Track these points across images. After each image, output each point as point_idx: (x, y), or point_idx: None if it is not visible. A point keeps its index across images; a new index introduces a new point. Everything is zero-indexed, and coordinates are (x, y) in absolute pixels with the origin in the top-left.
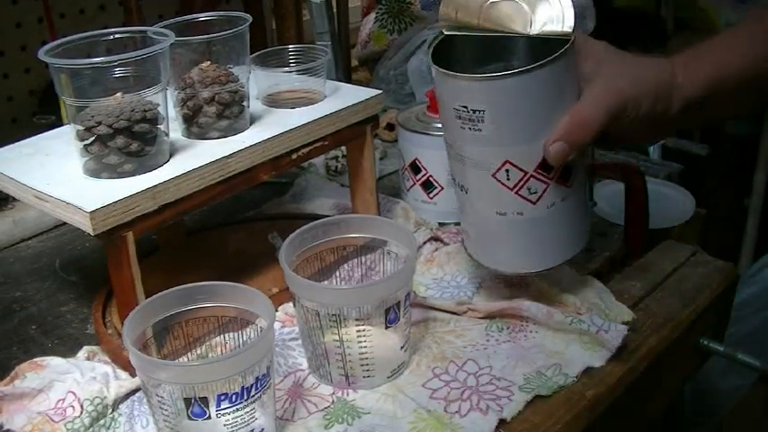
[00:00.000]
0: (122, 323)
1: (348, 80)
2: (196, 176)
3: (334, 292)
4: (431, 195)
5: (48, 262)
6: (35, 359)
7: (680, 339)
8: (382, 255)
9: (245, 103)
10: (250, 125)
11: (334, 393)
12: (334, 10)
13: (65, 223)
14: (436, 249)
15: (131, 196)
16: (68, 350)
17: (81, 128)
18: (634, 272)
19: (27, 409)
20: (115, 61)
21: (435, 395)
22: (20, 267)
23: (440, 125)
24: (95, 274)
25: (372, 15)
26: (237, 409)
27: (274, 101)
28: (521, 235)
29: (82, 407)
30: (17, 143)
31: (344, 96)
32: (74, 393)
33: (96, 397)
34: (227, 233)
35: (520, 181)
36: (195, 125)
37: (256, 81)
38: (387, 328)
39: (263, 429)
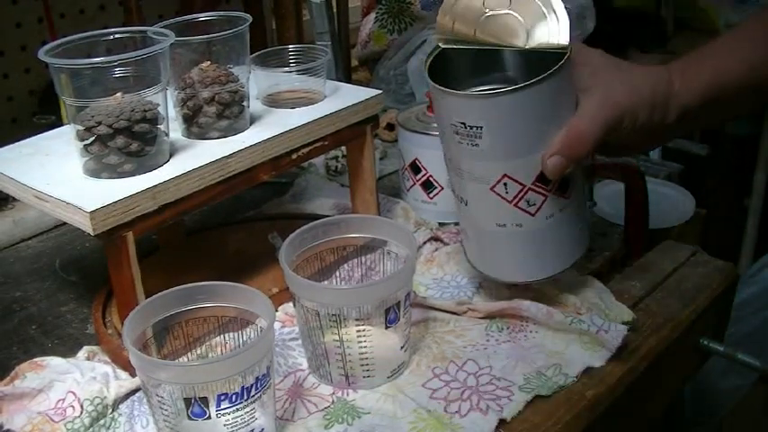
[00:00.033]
0: (122, 323)
1: (348, 80)
2: (196, 176)
3: (334, 292)
4: (431, 195)
5: (48, 262)
6: (35, 359)
7: (680, 339)
8: (382, 255)
9: (245, 103)
10: (250, 125)
11: (334, 393)
12: (334, 10)
13: (65, 223)
14: (436, 249)
15: (131, 196)
16: (68, 350)
17: (81, 128)
18: (634, 272)
19: (27, 409)
20: (115, 61)
21: (435, 395)
22: (20, 267)
23: None
24: (95, 274)
25: (372, 15)
26: (237, 409)
27: (274, 101)
28: (520, 246)
29: (82, 407)
30: (17, 143)
31: (344, 96)
32: (74, 393)
33: (96, 397)
34: (227, 233)
35: (518, 194)
36: (195, 125)
37: (256, 81)
38: (387, 328)
39: (263, 429)
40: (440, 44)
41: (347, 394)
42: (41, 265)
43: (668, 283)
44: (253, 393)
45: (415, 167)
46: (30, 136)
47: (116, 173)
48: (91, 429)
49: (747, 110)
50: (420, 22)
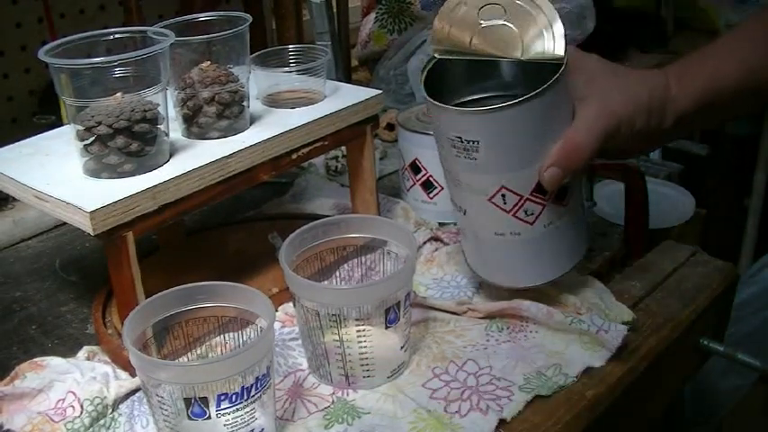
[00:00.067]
0: (122, 323)
1: (348, 80)
2: (196, 176)
3: (334, 292)
4: (431, 195)
5: (48, 262)
6: (35, 359)
7: (680, 339)
8: (382, 255)
9: (245, 103)
10: (250, 125)
11: (334, 393)
12: (334, 10)
13: (65, 223)
14: (436, 249)
15: (131, 196)
16: (68, 350)
17: (81, 128)
18: (634, 272)
19: (27, 409)
20: (115, 61)
21: (435, 395)
22: (20, 267)
23: None
24: (95, 274)
25: (372, 15)
26: (237, 409)
27: (274, 101)
28: (519, 253)
29: (82, 407)
30: (17, 143)
31: (344, 96)
32: (74, 393)
33: (96, 397)
34: (227, 233)
35: (516, 204)
36: (195, 125)
37: (256, 81)
38: (387, 328)
39: (263, 429)
40: (436, 55)
41: (347, 394)
42: (41, 265)
43: (668, 283)
44: (253, 393)
45: (415, 167)
46: (30, 136)
47: (116, 173)
48: (91, 429)
49: (745, 112)
50: (420, 22)
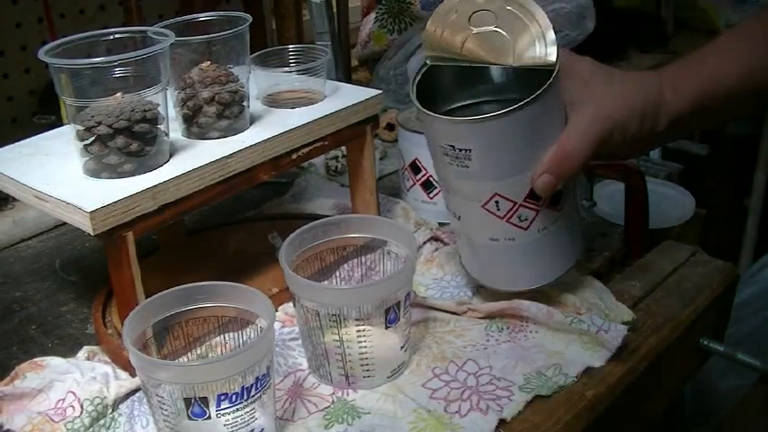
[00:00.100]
0: (122, 323)
1: (348, 80)
2: (196, 176)
3: (334, 292)
4: (431, 195)
5: (48, 262)
6: (35, 359)
7: (680, 339)
8: (382, 255)
9: (245, 103)
10: (250, 125)
11: (334, 393)
12: (334, 10)
13: (65, 223)
14: (436, 249)
15: (131, 196)
16: (68, 350)
17: (81, 128)
18: (634, 272)
19: (27, 409)
20: (115, 61)
21: (435, 395)
22: (20, 267)
23: None
24: (95, 274)
25: (372, 15)
26: (237, 409)
27: (274, 101)
28: (514, 258)
29: (82, 407)
30: (17, 143)
31: (344, 96)
32: (74, 393)
33: (96, 397)
34: (227, 233)
35: (509, 210)
36: (195, 125)
37: (256, 81)
38: (387, 328)
39: (263, 429)
40: (427, 62)
41: (347, 394)
42: (41, 265)
43: (668, 283)
44: (253, 393)
45: (415, 167)
46: (30, 136)
47: (116, 173)
48: (91, 429)
49: (745, 113)
50: (420, 22)
